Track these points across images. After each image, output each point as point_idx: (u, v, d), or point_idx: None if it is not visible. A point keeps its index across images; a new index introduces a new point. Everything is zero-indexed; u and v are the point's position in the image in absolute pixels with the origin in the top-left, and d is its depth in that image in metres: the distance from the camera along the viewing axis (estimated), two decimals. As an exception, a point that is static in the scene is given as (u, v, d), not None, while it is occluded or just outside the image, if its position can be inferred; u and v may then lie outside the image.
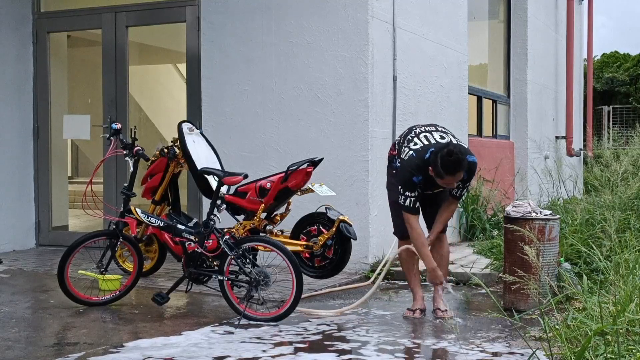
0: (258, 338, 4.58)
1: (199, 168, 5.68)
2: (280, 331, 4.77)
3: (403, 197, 5.04)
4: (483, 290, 5.98)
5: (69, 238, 7.18)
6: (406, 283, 6.30)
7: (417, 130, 5.20)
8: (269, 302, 5.11)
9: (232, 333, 4.71)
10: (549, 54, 12.18)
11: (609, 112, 20.34)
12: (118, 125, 5.71)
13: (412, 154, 5.03)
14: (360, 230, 6.27)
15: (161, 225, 5.40)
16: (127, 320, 5.11)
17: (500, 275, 5.75)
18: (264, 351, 4.28)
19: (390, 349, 4.38)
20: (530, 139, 11.03)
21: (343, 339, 4.59)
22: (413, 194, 5.02)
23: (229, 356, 4.17)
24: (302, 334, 4.69)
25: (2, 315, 5.14)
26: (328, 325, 4.95)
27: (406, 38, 7.51)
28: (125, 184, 5.64)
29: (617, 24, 63.61)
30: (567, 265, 5.68)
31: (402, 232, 5.30)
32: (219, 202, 5.23)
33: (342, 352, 4.30)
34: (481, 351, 4.31)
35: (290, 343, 4.48)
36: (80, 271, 5.77)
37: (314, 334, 4.71)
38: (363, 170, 6.86)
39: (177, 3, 7.74)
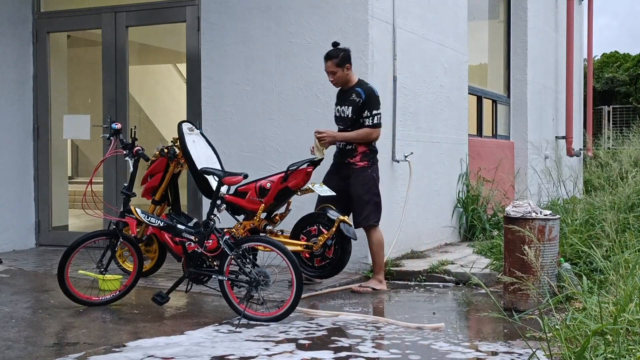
0: (262, 336, 4.58)
1: (199, 168, 5.68)
2: (289, 327, 4.77)
3: None
4: (483, 290, 5.98)
5: (69, 238, 7.18)
6: (405, 282, 6.32)
7: None
8: (269, 302, 5.11)
9: (235, 332, 4.70)
10: (549, 54, 12.18)
11: (609, 112, 20.36)
12: (118, 125, 5.71)
13: None
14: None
15: (161, 225, 5.40)
16: (127, 320, 5.11)
17: (499, 276, 5.76)
18: (267, 349, 4.28)
19: (387, 344, 4.41)
20: (530, 139, 11.03)
21: (341, 336, 4.59)
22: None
23: (232, 354, 4.17)
24: (304, 332, 4.69)
25: (2, 315, 5.14)
26: (326, 324, 4.95)
27: (406, 38, 7.51)
28: (125, 184, 5.63)
29: (622, 25, 63.64)
30: (567, 265, 5.68)
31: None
32: (219, 202, 5.23)
33: (339, 349, 4.31)
34: (480, 351, 4.32)
35: (290, 341, 4.48)
36: (80, 271, 5.77)
37: (313, 332, 4.70)
38: (363, 170, 6.84)
39: (177, 3, 7.74)
